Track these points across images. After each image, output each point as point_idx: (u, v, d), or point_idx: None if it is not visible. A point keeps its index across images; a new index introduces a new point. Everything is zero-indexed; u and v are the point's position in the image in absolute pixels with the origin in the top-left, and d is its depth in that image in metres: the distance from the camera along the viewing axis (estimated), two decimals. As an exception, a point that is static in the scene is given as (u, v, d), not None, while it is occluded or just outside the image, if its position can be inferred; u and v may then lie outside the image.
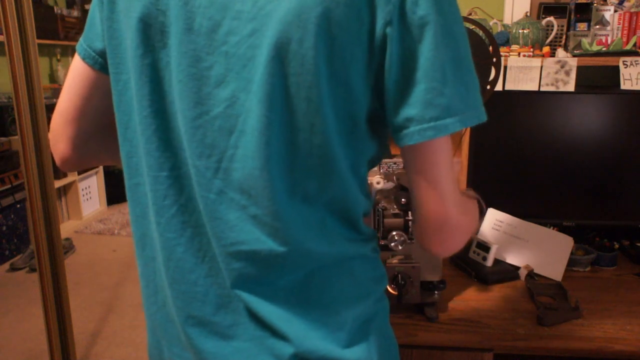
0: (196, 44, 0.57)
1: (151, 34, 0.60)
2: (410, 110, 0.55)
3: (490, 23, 1.51)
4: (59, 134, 0.74)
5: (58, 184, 3.77)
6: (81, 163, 0.77)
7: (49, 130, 0.88)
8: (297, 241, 0.61)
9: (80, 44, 0.70)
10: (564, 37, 1.48)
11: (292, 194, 0.59)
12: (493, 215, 1.38)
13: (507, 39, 1.47)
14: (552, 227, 1.38)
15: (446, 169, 0.59)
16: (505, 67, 1.34)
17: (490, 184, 1.43)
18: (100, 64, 0.69)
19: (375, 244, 0.71)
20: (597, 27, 1.44)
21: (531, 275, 1.28)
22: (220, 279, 0.64)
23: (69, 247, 3.47)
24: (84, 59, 0.69)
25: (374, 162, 0.66)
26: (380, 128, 0.61)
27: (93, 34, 0.68)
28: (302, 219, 0.61)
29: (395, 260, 1.07)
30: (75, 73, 0.71)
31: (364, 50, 0.54)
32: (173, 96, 0.61)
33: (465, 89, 0.56)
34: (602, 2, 1.45)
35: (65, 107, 0.72)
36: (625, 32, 1.43)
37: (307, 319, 0.63)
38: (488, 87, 0.97)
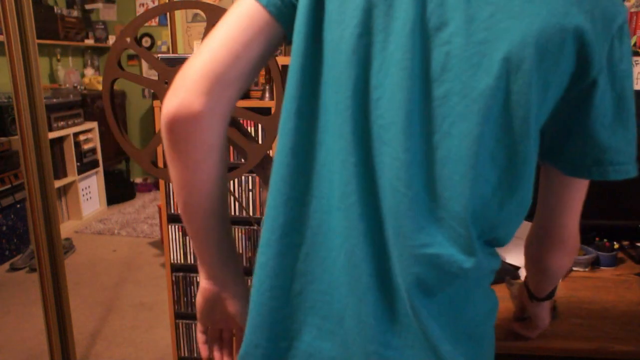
0: (418, 37, 0.56)
1: (374, 14, 0.58)
2: (602, 153, 0.62)
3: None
4: (194, 85, 0.61)
5: (58, 184, 3.77)
6: (208, 123, 0.62)
7: (49, 130, 0.85)
8: (478, 252, 0.60)
9: None
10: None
11: (483, 206, 0.60)
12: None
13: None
14: (552, 227, 1.38)
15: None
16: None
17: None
18: (283, 16, 0.63)
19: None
20: (597, 27, 1.44)
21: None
22: (387, 280, 0.62)
23: (69, 247, 3.47)
24: (266, 5, 0.63)
25: None
26: None
27: None
28: (478, 229, 0.61)
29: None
30: (242, 18, 0.63)
31: (564, 82, 0.58)
32: (379, 82, 0.58)
33: (634, 142, 0.63)
34: (602, 2, 1.45)
35: (216, 55, 0.61)
36: (625, 32, 1.43)
37: (453, 337, 0.63)
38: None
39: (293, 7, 0.64)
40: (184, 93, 0.61)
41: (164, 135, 0.64)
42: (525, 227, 1.33)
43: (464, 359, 0.63)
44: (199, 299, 0.77)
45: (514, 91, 0.55)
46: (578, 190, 0.68)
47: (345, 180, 0.60)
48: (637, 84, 1.32)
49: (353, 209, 0.60)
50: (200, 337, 0.81)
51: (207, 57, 0.62)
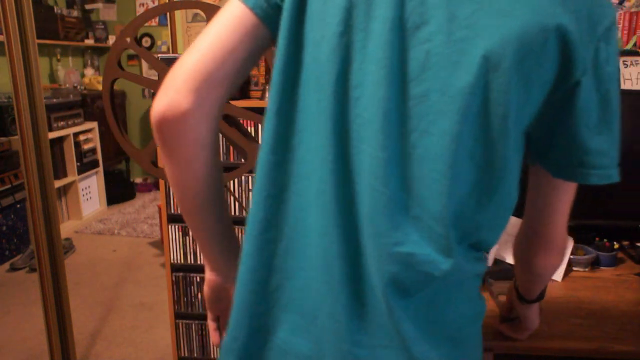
0: (397, 36, 0.57)
1: (355, 14, 0.58)
2: (586, 155, 0.61)
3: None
4: (182, 84, 0.63)
5: (58, 184, 3.77)
6: (196, 121, 0.64)
7: (49, 130, 0.86)
8: (452, 254, 0.59)
9: None
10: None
11: (461, 205, 0.59)
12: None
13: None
14: (552, 227, 1.38)
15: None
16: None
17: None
18: (268, 17, 0.64)
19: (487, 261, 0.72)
20: (597, 27, 1.44)
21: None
22: (362, 279, 0.62)
23: (69, 247, 3.47)
24: (252, 8, 0.64)
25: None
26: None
27: None
28: (458, 230, 0.60)
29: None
30: (230, 20, 0.65)
31: (548, 82, 0.57)
32: (359, 81, 0.59)
33: (617, 146, 0.63)
34: (602, 2, 1.45)
35: (204, 55, 0.63)
36: (625, 32, 1.43)
37: (431, 338, 0.62)
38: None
39: (279, 9, 0.64)
40: (173, 92, 0.62)
41: (155, 134, 0.65)
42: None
43: None
44: (205, 289, 0.80)
45: (494, 89, 0.55)
46: (566, 192, 0.67)
47: (322, 177, 0.61)
48: (637, 84, 1.32)
49: (329, 206, 0.61)
50: (211, 324, 0.84)
51: (196, 58, 0.63)
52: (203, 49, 0.64)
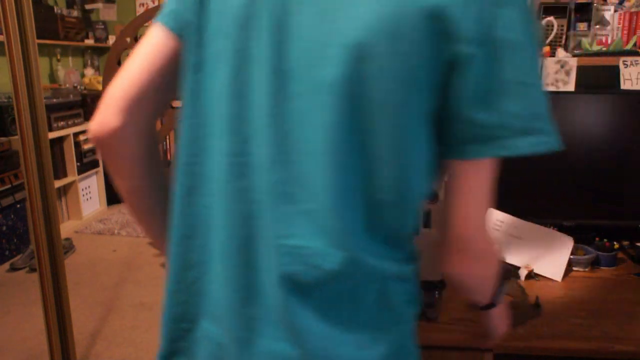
0: (275, 35, 0.59)
1: (244, 23, 0.61)
2: (481, 128, 0.57)
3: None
4: (113, 104, 0.69)
5: (58, 184, 3.77)
6: (126, 136, 0.71)
7: (49, 130, 0.88)
8: (347, 247, 0.60)
9: (169, 12, 0.69)
10: (563, 37, 1.48)
11: (353, 197, 0.59)
12: (493, 215, 1.37)
13: (507, 39, 1.47)
14: (552, 227, 1.38)
15: (490, 191, 0.62)
16: (505, 67, 1.34)
17: (490, 184, 1.43)
18: (181, 29, 0.68)
19: (417, 264, 0.69)
20: (597, 27, 1.44)
21: (531, 275, 1.27)
22: (256, 272, 0.64)
23: (69, 247, 3.47)
24: (172, 29, 0.69)
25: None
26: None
27: (183, 5, 0.67)
28: (355, 223, 0.60)
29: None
30: (152, 42, 0.70)
31: (433, 65, 0.55)
32: (246, 82, 0.62)
33: (536, 112, 0.57)
34: (602, 2, 1.45)
35: (131, 77, 0.69)
36: (625, 32, 1.43)
37: (333, 341, 0.62)
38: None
39: (188, 22, 0.67)
40: (104, 112, 0.70)
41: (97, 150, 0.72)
42: (526, 227, 1.34)
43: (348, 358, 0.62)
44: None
45: (369, 77, 0.55)
46: (471, 178, 0.61)
47: (221, 176, 0.65)
48: (637, 84, 1.32)
49: (226, 204, 0.65)
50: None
51: (125, 80, 0.70)
52: (131, 71, 0.70)
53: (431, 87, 0.56)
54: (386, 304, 0.64)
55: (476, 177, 0.61)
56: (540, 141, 0.57)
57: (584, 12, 1.44)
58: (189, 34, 0.66)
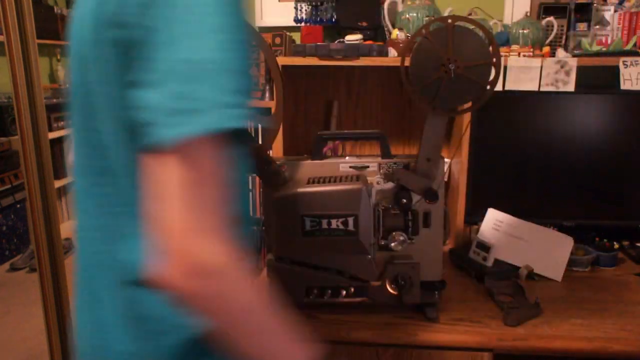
0: (74, 47, 0.65)
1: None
2: (141, 112, 0.52)
3: (491, 23, 1.51)
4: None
5: (58, 184, 3.77)
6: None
7: (48, 130, 0.91)
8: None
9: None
10: (563, 37, 1.48)
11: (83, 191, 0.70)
12: (493, 215, 1.37)
13: (507, 39, 1.47)
14: (552, 227, 1.38)
15: (195, 187, 0.52)
16: (505, 67, 1.34)
17: (490, 184, 1.43)
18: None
19: None
20: (597, 27, 1.44)
21: (531, 275, 1.28)
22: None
23: (69, 247, 3.46)
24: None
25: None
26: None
27: None
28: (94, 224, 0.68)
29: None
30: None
31: (108, 60, 0.58)
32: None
33: (186, 92, 0.51)
34: (602, 2, 1.46)
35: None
36: (625, 32, 1.43)
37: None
38: (488, 87, 0.97)
39: None
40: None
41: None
42: (526, 227, 1.34)
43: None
44: None
45: (89, 82, 0.61)
46: (158, 171, 0.53)
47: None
48: (637, 84, 1.32)
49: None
50: None
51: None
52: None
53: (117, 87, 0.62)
54: (122, 309, 0.68)
55: (161, 175, 0.53)
56: (196, 121, 0.50)
57: (584, 12, 1.45)
58: None
